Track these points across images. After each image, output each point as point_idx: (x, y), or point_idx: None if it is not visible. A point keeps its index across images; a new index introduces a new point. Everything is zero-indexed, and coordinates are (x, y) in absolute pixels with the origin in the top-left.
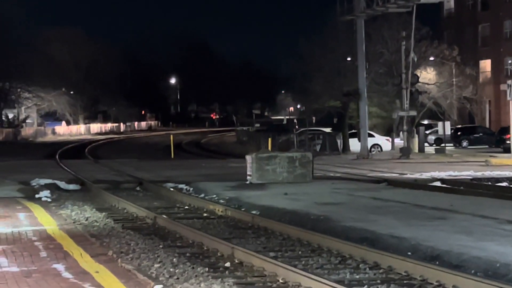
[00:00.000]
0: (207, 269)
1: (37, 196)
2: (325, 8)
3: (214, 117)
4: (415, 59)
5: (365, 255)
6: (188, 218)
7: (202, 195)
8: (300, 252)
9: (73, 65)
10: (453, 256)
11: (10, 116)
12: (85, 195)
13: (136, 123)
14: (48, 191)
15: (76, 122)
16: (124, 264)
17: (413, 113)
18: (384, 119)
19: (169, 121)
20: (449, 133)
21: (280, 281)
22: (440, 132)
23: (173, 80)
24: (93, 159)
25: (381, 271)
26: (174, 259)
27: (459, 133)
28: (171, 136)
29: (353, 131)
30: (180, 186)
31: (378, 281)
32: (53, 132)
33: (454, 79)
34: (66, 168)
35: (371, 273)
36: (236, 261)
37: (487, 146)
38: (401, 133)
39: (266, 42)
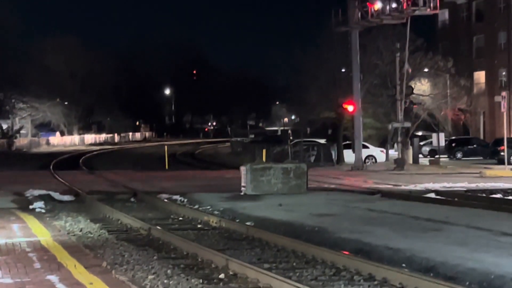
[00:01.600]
0: (201, 280)
1: (31, 207)
2: (320, 19)
3: (207, 130)
4: (410, 71)
5: (359, 267)
6: (182, 229)
7: (197, 206)
8: (294, 264)
9: (68, 75)
10: (448, 268)
11: (4, 126)
12: (79, 206)
13: (130, 134)
14: (42, 202)
15: (70, 133)
16: (118, 276)
17: (408, 124)
18: (378, 130)
19: (163, 132)
20: (444, 144)
21: None
22: (435, 143)
23: (168, 91)
24: (87, 170)
25: (375, 282)
26: (168, 271)
27: (453, 144)
28: (166, 147)
29: (347, 142)
30: (175, 197)
31: None
32: (48, 143)
33: (448, 91)
34: (60, 179)
35: (365, 284)
36: (231, 273)
37: (481, 158)
38: (395, 144)
39: (261, 53)
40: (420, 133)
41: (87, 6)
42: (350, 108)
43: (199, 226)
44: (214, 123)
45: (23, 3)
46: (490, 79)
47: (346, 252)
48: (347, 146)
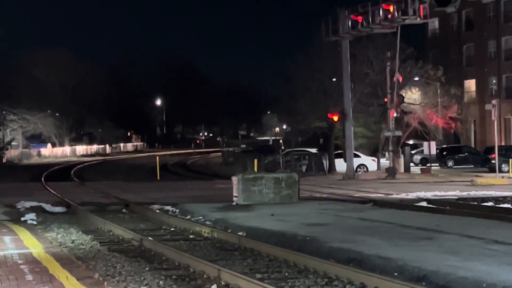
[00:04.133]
0: None
1: (22, 219)
2: (311, 29)
3: (199, 142)
4: (400, 80)
5: (352, 276)
6: (174, 240)
7: (189, 217)
8: (286, 274)
9: (59, 87)
10: (440, 277)
11: None
12: (71, 217)
13: (122, 144)
14: (34, 214)
15: (61, 144)
16: (111, 287)
17: (399, 133)
18: (369, 139)
19: (155, 143)
20: (435, 153)
21: None
22: (426, 152)
23: (159, 102)
24: (79, 181)
25: None
26: (161, 282)
27: (444, 153)
28: (157, 157)
29: (339, 151)
30: (167, 207)
31: None
32: (39, 154)
33: (439, 99)
34: (51, 190)
35: None
36: (223, 283)
37: (472, 166)
38: (386, 153)
39: (252, 63)
40: (411, 142)
41: (77, 18)
42: (335, 118)
43: (191, 236)
44: (206, 133)
45: (12, 15)
46: (481, 87)
47: (338, 262)
48: (339, 155)
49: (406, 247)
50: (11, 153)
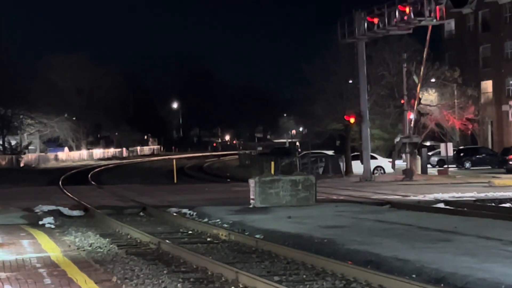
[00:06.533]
0: None
1: (40, 222)
2: (327, 31)
3: (215, 145)
4: (417, 81)
5: (370, 278)
6: (192, 243)
7: (206, 220)
8: (304, 276)
9: (75, 91)
10: (458, 278)
11: (13, 142)
12: (88, 221)
13: (138, 148)
14: (52, 218)
15: (78, 148)
16: None
17: (416, 139)
18: (386, 141)
19: (171, 146)
20: (452, 154)
21: None
22: (443, 153)
23: (175, 105)
24: (96, 184)
25: None
26: (179, 285)
27: (461, 154)
28: (174, 160)
29: (355, 153)
30: (184, 210)
31: None
32: (56, 158)
33: (456, 100)
34: (69, 194)
35: None
36: (241, 286)
37: (490, 167)
38: (403, 155)
39: (268, 66)
40: (428, 143)
41: (93, 22)
42: (351, 120)
43: (208, 239)
44: (223, 136)
45: (30, 20)
46: (497, 88)
47: (356, 264)
48: (355, 157)
49: (424, 249)
50: (29, 157)
